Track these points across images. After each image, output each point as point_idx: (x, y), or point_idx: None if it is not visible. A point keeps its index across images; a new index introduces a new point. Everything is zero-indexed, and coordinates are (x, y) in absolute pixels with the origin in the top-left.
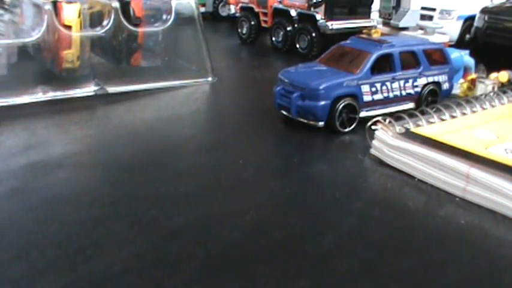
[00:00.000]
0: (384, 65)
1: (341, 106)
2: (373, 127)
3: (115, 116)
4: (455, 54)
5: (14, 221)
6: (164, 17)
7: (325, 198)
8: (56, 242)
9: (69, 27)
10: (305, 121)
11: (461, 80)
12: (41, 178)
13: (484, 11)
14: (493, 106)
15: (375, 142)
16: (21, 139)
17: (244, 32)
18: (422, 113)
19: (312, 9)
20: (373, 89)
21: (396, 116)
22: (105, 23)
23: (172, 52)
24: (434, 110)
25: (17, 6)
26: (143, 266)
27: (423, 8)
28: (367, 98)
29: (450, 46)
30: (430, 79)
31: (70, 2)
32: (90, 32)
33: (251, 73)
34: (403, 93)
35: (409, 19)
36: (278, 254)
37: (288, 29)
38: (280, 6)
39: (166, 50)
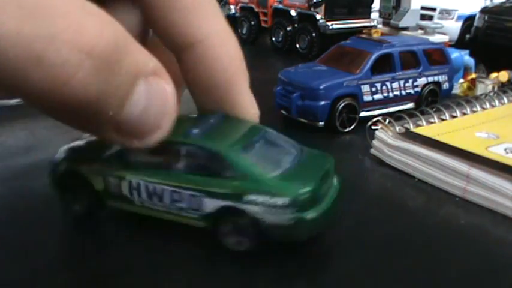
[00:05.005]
0: (384, 65)
1: (341, 106)
2: (373, 127)
3: None
4: (455, 54)
5: (14, 220)
6: None
7: None
8: (56, 242)
9: None
10: (305, 121)
11: (461, 80)
12: (41, 178)
13: (484, 11)
14: (493, 106)
15: (375, 142)
16: (21, 139)
17: (244, 32)
18: (422, 113)
19: (312, 9)
20: (373, 89)
21: (396, 116)
22: None
23: None
24: (434, 110)
25: None
26: (143, 266)
27: (423, 8)
28: (367, 98)
29: (450, 46)
30: (430, 79)
31: None
32: None
33: (251, 73)
34: (403, 93)
35: (409, 19)
36: (278, 254)
37: (288, 29)
38: (280, 6)
39: None
